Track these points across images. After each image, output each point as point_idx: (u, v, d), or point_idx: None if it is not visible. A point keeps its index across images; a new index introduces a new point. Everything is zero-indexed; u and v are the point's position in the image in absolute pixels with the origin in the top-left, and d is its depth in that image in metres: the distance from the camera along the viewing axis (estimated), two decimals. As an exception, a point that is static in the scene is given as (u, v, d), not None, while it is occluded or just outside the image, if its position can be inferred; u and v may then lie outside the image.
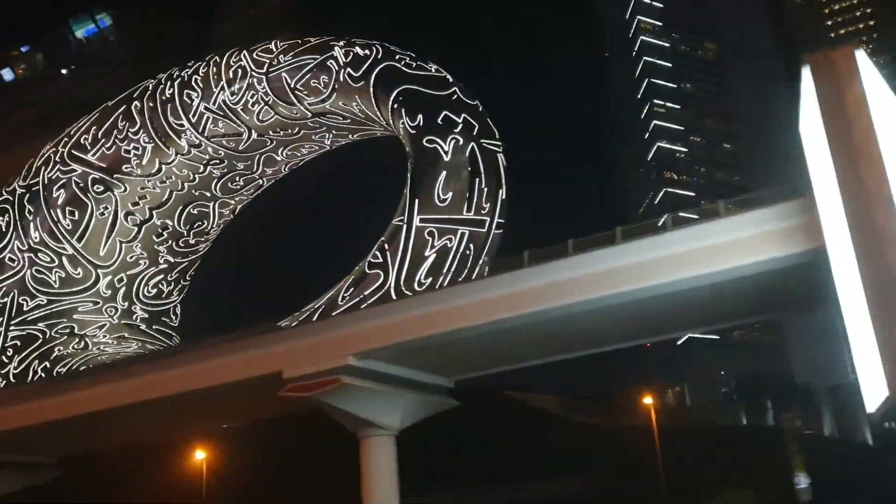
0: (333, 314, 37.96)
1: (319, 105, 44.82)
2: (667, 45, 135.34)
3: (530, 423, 67.01)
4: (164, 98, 50.04)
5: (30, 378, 51.74)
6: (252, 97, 46.80)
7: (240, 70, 47.04)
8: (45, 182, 54.96)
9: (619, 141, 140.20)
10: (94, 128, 53.06)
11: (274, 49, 46.25)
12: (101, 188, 53.56)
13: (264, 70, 46.04)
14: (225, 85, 47.57)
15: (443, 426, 41.59)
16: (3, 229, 56.07)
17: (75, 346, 53.54)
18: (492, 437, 59.77)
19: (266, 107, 46.75)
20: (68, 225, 54.84)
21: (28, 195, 55.60)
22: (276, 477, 58.71)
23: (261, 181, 56.05)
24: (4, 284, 54.99)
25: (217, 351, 38.85)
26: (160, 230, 56.88)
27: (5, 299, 54.64)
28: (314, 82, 44.01)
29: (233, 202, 57.43)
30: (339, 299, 38.99)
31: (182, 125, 49.85)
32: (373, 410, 35.31)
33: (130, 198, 54.17)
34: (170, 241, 58.22)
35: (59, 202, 54.58)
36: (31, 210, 55.32)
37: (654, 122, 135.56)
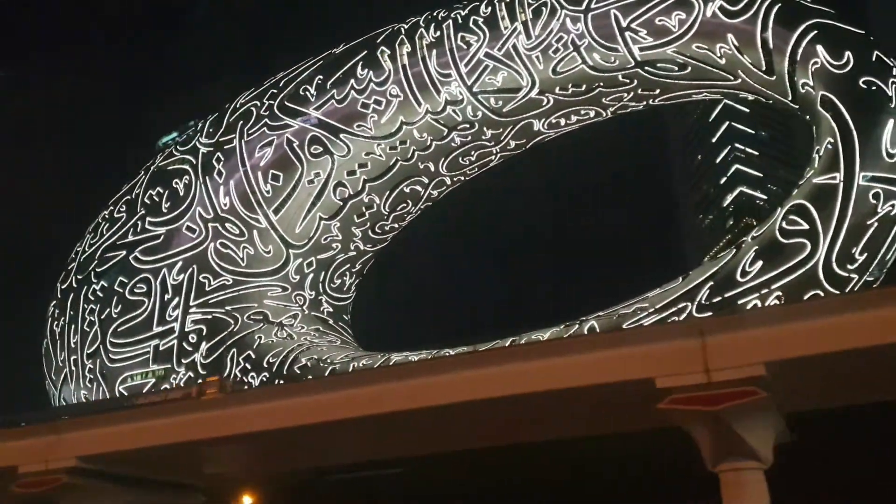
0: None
1: (656, 50, 37.55)
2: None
3: None
4: (426, 42, 42.22)
5: (230, 370, 42.11)
6: (557, 41, 39.34)
7: (544, 8, 39.65)
8: (246, 139, 46.27)
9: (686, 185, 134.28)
10: (321, 76, 44.81)
11: (596, -15, 39.09)
12: (320, 149, 45.09)
13: (583, 7, 38.71)
14: (520, 26, 40.07)
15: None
16: (182, 193, 47.02)
17: (278, 335, 44.11)
18: None
19: (573, 53, 39.29)
20: (268, 191, 46.04)
21: (217, 154, 46.79)
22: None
23: (492, 158, 48.11)
24: (181, 258, 45.69)
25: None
26: (364, 209, 48.33)
27: (181, 276, 45.29)
28: (661, 20, 36.80)
29: (448, 184, 49.26)
30: (739, 275, 31.08)
31: (449, 75, 42.05)
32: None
33: (350, 164, 45.73)
34: (368, 224, 49.63)
35: (263, 163, 45.90)
36: (223, 172, 46.48)
37: (736, 166, 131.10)
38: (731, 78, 36.51)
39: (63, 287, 50.33)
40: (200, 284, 45.20)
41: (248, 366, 41.77)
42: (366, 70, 43.50)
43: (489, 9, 41.19)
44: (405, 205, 49.63)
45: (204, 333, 43.68)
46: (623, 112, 43.26)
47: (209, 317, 44.28)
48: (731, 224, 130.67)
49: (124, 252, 47.52)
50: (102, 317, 46.68)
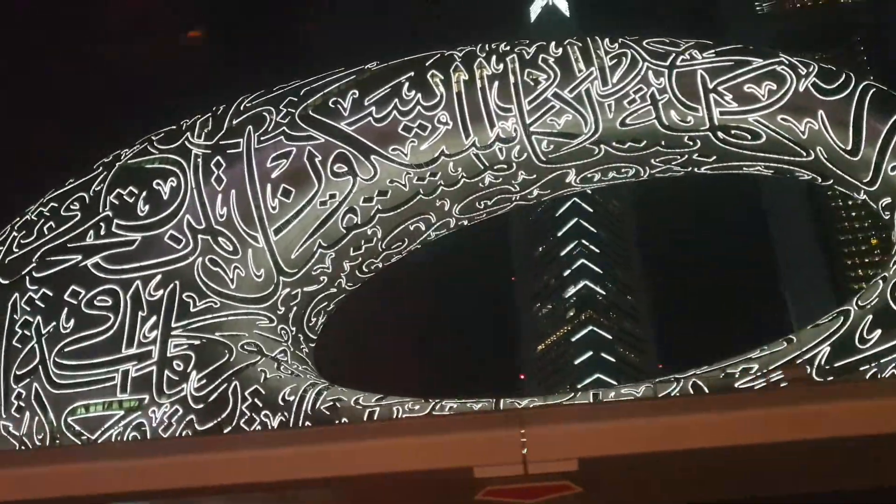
0: None
1: (737, 116, 37.81)
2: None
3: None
4: (487, 73, 40.06)
5: (234, 404, 35.73)
6: (636, 92, 38.58)
7: (624, 58, 38.98)
8: (256, 146, 40.98)
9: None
10: (356, 91, 41.01)
11: (680, 43, 39.07)
12: (344, 169, 40.79)
13: (668, 63, 38.45)
14: (597, 72, 39.04)
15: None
16: (166, 197, 40.55)
17: (282, 371, 38.25)
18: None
19: (649, 107, 38.61)
20: (274, 207, 40.77)
21: (217, 158, 41.03)
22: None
23: (505, 206, 46.17)
24: (160, 271, 38.97)
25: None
26: (363, 243, 44.18)
27: (160, 291, 38.54)
28: (750, 87, 37.20)
29: (450, 227, 46.47)
30: (858, 341, 31.24)
31: (509, 110, 39.86)
32: None
33: (369, 190, 41.71)
34: (359, 260, 45.35)
35: (274, 175, 40.70)
36: (223, 179, 40.70)
37: (582, 261, 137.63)
38: (804, 154, 37.58)
39: (-26, 292, 40.94)
40: (184, 304, 38.49)
41: (259, 402, 35.59)
42: (413, 92, 40.29)
43: (560, 50, 39.89)
44: (401, 244, 45.93)
45: (193, 362, 36.88)
46: (660, 176, 43.21)
47: (196, 342, 37.60)
48: (572, 315, 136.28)
49: (79, 256, 39.71)
50: (44, 331, 38.28)
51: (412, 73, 40.88)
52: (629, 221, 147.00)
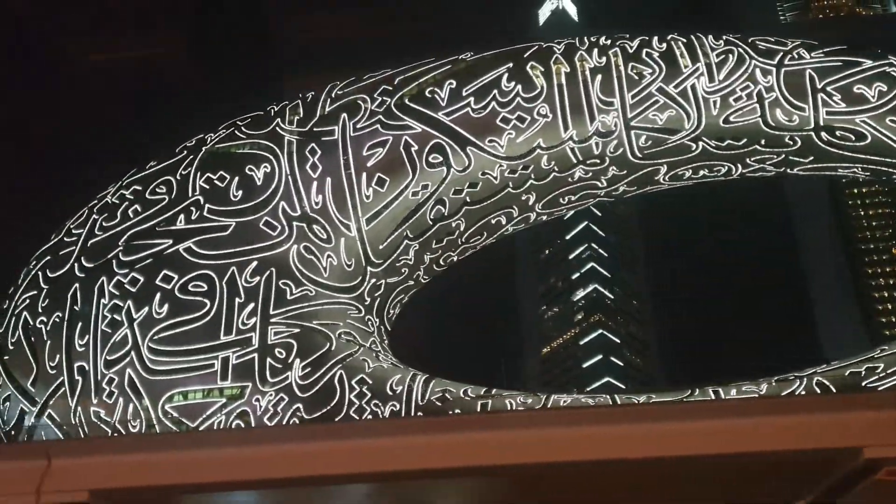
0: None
1: (844, 116, 37.85)
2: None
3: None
4: (589, 66, 39.80)
5: (342, 394, 35.09)
6: (743, 90, 38.51)
7: (730, 55, 38.90)
8: (352, 133, 40.40)
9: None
10: (453, 81, 40.56)
11: (786, 42, 39.07)
12: (440, 159, 40.32)
13: (776, 61, 38.41)
14: (703, 68, 38.93)
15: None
16: (259, 182, 39.83)
17: (382, 361, 37.69)
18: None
19: (755, 105, 38.55)
20: (368, 196, 40.22)
21: (312, 145, 40.39)
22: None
23: (587, 202, 46.01)
24: (256, 258, 38.22)
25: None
26: (445, 236, 43.75)
27: (256, 278, 37.77)
28: (860, 88, 37.31)
29: (530, 222, 46.22)
30: None
31: (611, 104, 39.62)
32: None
33: (461, 181, 41.27)
34: (439, 253, 44.92)
35: (370, 164, 40.13)
36: (318, 166, 40.04)
37: (592, 264, 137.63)
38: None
39: (53, 276, 40.04)
40: (280, 291, 37.77)
41: (368, 392, 34.95)
42: (513, 83, 39.92)
43: (664, 45, 39.73)
44: (479, 237, 45.52)
45: (295, 349, 36.19)
46: (749, 175, 43.21)
47: (297, 330, 36.90)
48: (581, 318, 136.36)
49: (170, 241, 38.84)
50: (136, 316, 37.38)
51: (511, 65, 40.52)
52: (636, 225, 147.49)
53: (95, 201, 42.39)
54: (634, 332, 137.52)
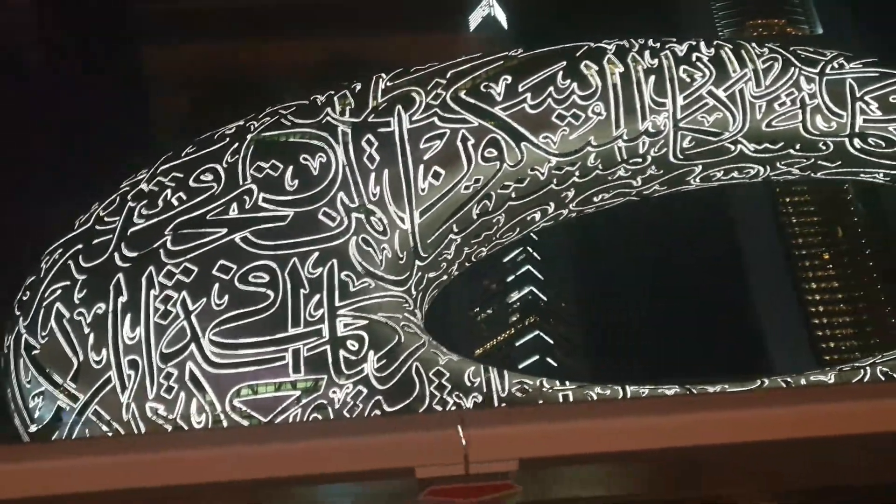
0: None
1: (878, 124, 40.18)
2: None
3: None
4: (642, 67, 41.02)
5: (421, 385, 34.82)
6: (787, 95, 40.48)
7: (775, 63, 40.83)
8: (409, 126, 40.21)
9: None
10: (508, 77, 41.03)
11: (825, 52, 41.29)
12: (494, 154, 40.61)
13: (818, 70, 40.56)
14: (751, 73, 40.69)
15: None
16: (316, 172, 39.12)
17: (447, 354, 37.58)
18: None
19: (797, 111, 40.50)
20: (423, 189, 40.10)
21: (368, 136, 39.98)
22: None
23: (618, 200, 47.21)
24: (317, 248, 37.56)
25: None
26: (484, 231, 44.14)
27: (319, 269, 37.14)
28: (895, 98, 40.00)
29: (559, 218, 47.15)
30: None
31: (663, 105, 40.84)
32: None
33: (511, 177, 41.68)
34: (474, 248, 45.19)
35: (427, 157, 40.01)
36: (375, 157, 39.66)
37: (528, 267, 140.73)
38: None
39: (88, 265, 38.09)
40: (343, 283, 37.15)
41: (447, 384, 34.81)
42: (568, 81, 40.62)
43: (712, 50, 41.32)
44: (511, 234, 46.02)
45: (367, 342, 35.68)
46: (775, 178, 45.45)
47: (365, 322, 36.39)
48: (515, 320, 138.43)
49: (224, 230, 37.58)
50: (192, 307, 35.98)
51: (564, 63, 41.18)
52: (572, 227, 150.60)
53: (127, 188, 40.44)
54: (565, 334, 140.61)
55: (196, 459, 15.06)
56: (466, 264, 46.94)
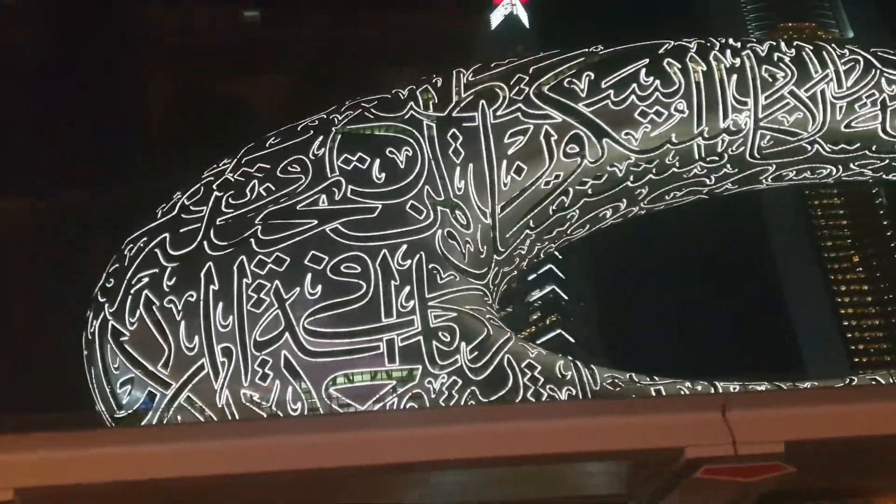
0: None
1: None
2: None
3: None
4: (724, 66, 41.40)
5: (515, 377, 35.17)
6: (868, 97, 40.89)
7: (857, 64, 41.20)
8: (493, 120, 40.58)
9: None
10: (590, 73, 41.38)
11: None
12: (576, 150, 40.99)
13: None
14: (832, 74, 41.10)
15: None
16: (402, 166, 39.48)
17: (534, 347, 37.95)
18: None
19: (877, 112, 40.87)
20: (506, 184, 40.52)
21: (453, 130, 40.36)
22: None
23: (688, 199, 47.65)
24: (405, 241, 37.92)
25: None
26: (556, 226, 44.58)
27: (408, 262, 37.49)
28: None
29: (629, 215, 47.59)
30: None
31: (745, 103, 41.26)
32: None
33: (590, 173, 42.09)
34: (545, 244, 45.73)
35: (511, 151, 40.43)
36: (460, 151, 40.06)
37: (550, 265, 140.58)
38: None
39: (176, 254, 38.38)
40: (431, 275, 37.50)
41: (540, 377, 35.18)
42: (651, 78, 40.98)
43: (793, 50, 41.70)
44: (581, 230, 46.51)
45: (458, 333, 36.04)
46: (846, 179, 45.86)
47: (454, 314, 36.74)
48: (536, 318, 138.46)
49: (315, 221, 37.93)
50: (287, 296, 36.30)
51: (647, 60, 41.54)
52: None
53: (211, 177, 40.77)
54: (587, 334, 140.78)
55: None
56: (534, 260, 47.44)
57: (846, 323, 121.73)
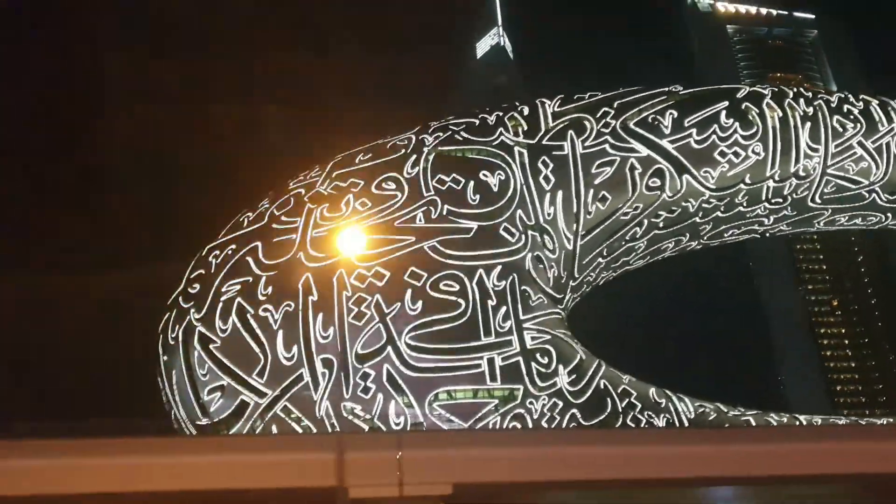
0: None
1: None
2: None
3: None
4: (799, 114, 43.63)
5: (613, 402, 36.31)
6: (938, 149, 43.58)
7: (937, 122, 43.89)
8: (582, 150, 42.01)
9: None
10: (674, 111, 43.19)
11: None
12: (658, 183, 42.64)
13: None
14: (912, 132, 43.64)
15: None
16: (496, 189, 40.61)
17: (620, 374, 39.13)
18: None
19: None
20: (590, 213, 41.89)
21: (543, 158, 41.67)
22: None
23: (742, 237, 49.75)
24: (499, 262, 39.00)
25: None
26: (623, 256, 46.23)
27: (503, 283, 38.56)
28: None
29: (687, 249, 49.53)
30: None
31: (816, 150, 43.45)
32: None
33: (665, 207, 43.76)
34: (609, 272, 47.27)
35: (598, 181, 41.84)
36: (551, 178, 41.35)
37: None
38: None
39: (270, 263, 38.78)
40: (524, 297, 38.57)
41: (637, 403, 36.38)
42: (731, 120, 42.91)
43: (861, 103, 44.14)
44: (642, 261, 48.27)
45: (555, 356, 37.09)
46: (892, 227, 48.44)
47: (549, 337, 37.82)
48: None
49: (412, 237, 38.70)
50: (388, 310, 36.93)
51: (726, 103, 43.49)
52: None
53: (301, 189, 41.22)
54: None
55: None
56: (593, 287, 48.81)
57: (828, 364, 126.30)
